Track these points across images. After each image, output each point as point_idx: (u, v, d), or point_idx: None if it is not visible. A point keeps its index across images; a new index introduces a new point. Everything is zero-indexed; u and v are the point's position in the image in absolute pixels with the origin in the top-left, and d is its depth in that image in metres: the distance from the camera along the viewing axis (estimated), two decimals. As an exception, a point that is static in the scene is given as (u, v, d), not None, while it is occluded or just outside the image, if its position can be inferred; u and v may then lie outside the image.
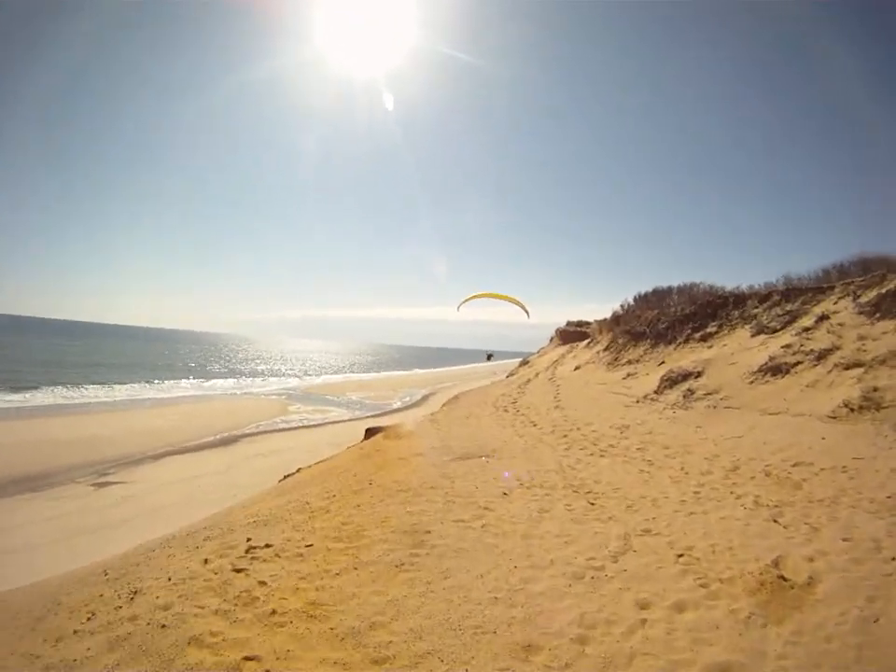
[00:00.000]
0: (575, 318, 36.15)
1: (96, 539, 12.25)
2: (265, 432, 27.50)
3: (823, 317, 15.17)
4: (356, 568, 5.77)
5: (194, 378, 58.53)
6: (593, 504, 7.93)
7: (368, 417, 32.83)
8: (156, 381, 50.58)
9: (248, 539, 6.67)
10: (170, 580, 5.68)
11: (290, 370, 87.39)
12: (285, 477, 13.58)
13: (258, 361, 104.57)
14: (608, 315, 32.35)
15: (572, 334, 32.21)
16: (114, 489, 16.49)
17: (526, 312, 22.59)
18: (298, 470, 13.96)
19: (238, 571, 5.77)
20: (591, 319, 34.21)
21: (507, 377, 29.98)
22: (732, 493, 8.30)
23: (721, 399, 14.07)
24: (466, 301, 21.98)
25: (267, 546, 6.42)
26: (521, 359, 34.93)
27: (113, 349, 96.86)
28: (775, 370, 14.13)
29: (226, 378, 62.70)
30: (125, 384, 45.83)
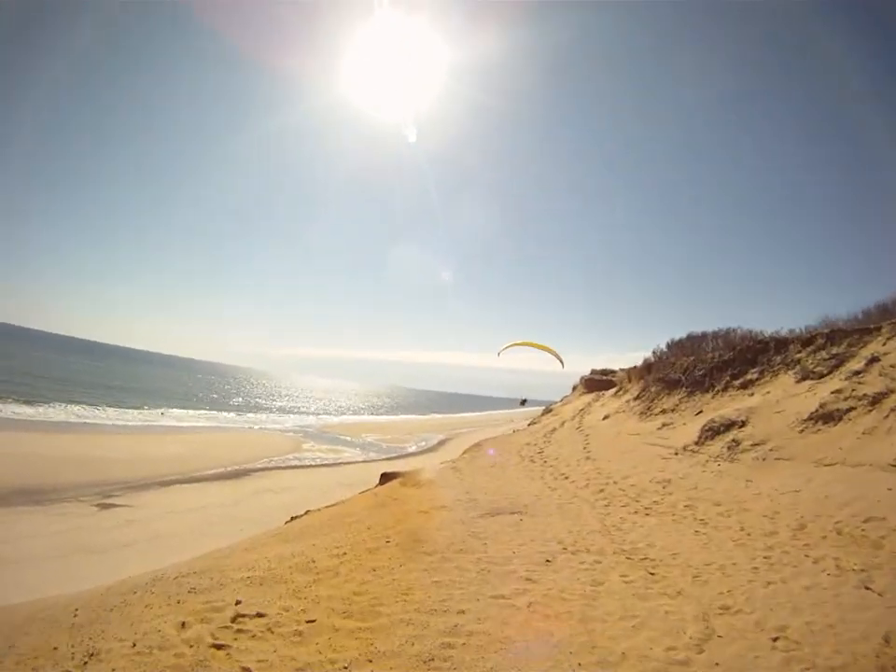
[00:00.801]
0: (589, 368, 35.04)
1: (93, 560, 11.99)
2: (277, 468, 27.33)
3: (873, 360, 13.85)
4: (370, 661, 4.50)
5: (209, 409, 58.59)
6: (653, 574, 6.68)
7: (382, 460, 32.87)
8: (171, 408, 50.71)
9: (238, 603, 5.49)
10: (135, 646, 4.61)
11: (307, 407, 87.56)
12: (292, 518, 12.65)
13: (274, 397, 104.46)
14: (627, 364, 32.06)
15: (598, 382, 30.74)
16: (118, 511, 16.41)
17: (561, 361, 23.68)
18: (306, 512, 13.02)
19: (219, 648, 4.61)
20: (615, 368, 33.26)
21: (529, 425, 28.67)
22: (807, 556, 7.17)
23: (770, 450, 12.73)
24: (506, 347, 22.98)
25: (259, 615, 5.22)
26: (544, 408, 33.68)
27: (131, 373, 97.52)
28: (826, 417, 12.81)
29: (241, 411, 62.82)
30: (140, 408, 46.19)
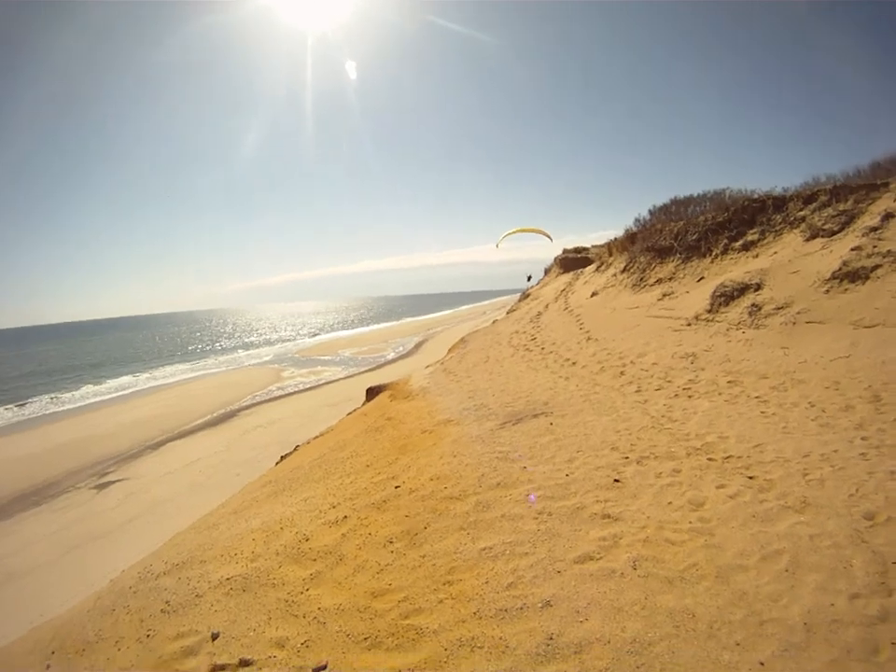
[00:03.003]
0: (553, 252, 34.27)
1: (98, 548, 11.96)
2: (261, 402, 27.25)
3: (889, 215, 12.53)
4: None
5: (184, 360, 56.88)
6: (752, 478, 5.05)
7: (363, 372, 33.32)
8: (145, 370, 49.17)
9: (214, 637, 3.65)
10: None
11: (280, 336, 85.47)
12: (282, 458, 11.71)
13: (246, 333, 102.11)
14: (590, 244, 32.20)
15: (573, 261, 29.29)
16: (115, 488, 16.21)
17: (549, 237, 25.84)
18: (295, 448, 11.98)
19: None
20: (587, 245, 32.09)
21: (508, 313, 26.97)
22: (908, 431, 5.83)
23: (798, 313, 11.30)
24: (503, 237, 25.11)
25: (243, 664, 3.36)
26: (520, 293, 32.21)
27: (96, 345, 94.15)
28: (852, 275, 11.49)
29: (216, 354, 61.30)
30: (114, 378, 44.64)
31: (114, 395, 36.23)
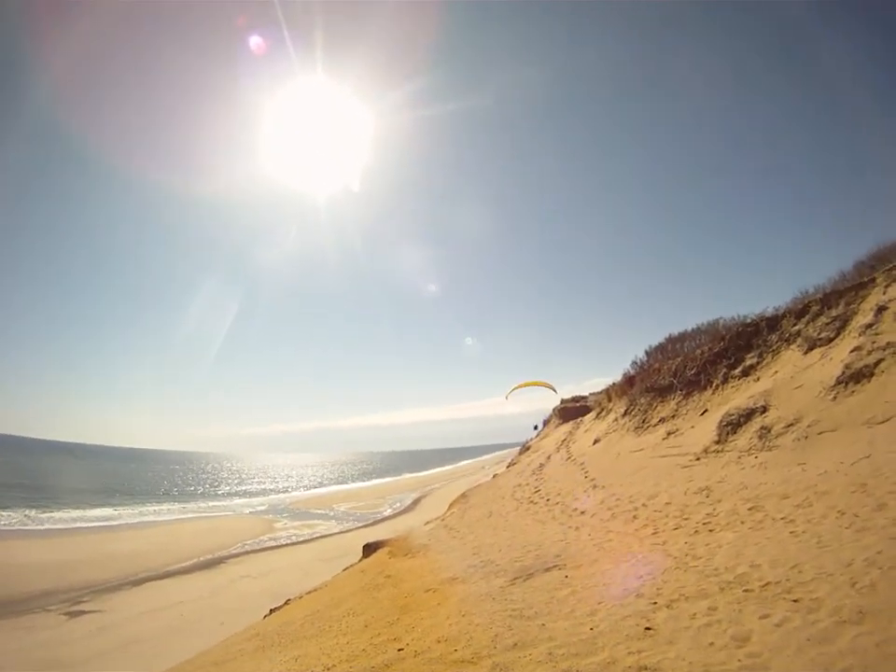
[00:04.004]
0: (550, 404, 34.83)
1: None
2: (252, 552, 26.26)
3: (882, 308, 12.69)
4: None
5: (175, 499, 54.88)
6: (797, 601, 4.54)
7: (359, 528, 32.58)
8: (134, 503, 47.11)
9: None
10: None
11: (274, 486, 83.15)
12: (271, 611, 11.45)
13: (240, 479, 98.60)
14: (587, 391, 32.20)
15: (573, 411, 29.21)
16: (89, 618, 15.33)
17: (554, 390, 28.55)
18: (286, 602, 11.77)
19: None
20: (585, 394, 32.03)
21: (508, 467, 26.48)
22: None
23: (809, 426, 10.96)
24: (512, 391, 27.72)
25: None
26: (520, 446, 32.27)
27: (88, 470, 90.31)
28: (856, 376, 11.34)
29: (209, 498, 58.91)
30: (101, 507, 42.51)
31: (96, 524, 34.55)
